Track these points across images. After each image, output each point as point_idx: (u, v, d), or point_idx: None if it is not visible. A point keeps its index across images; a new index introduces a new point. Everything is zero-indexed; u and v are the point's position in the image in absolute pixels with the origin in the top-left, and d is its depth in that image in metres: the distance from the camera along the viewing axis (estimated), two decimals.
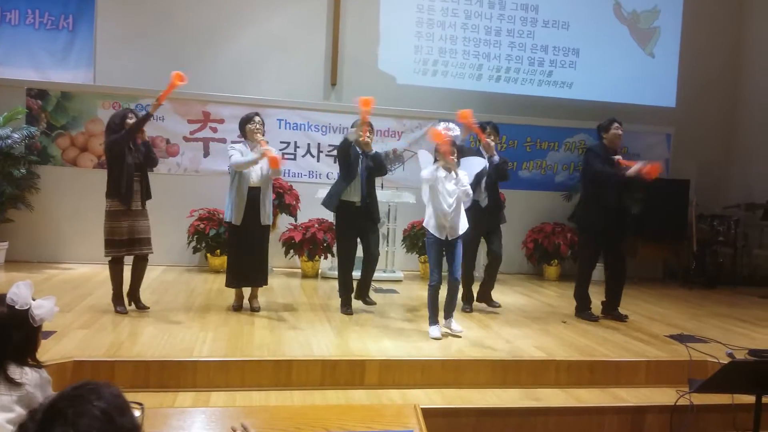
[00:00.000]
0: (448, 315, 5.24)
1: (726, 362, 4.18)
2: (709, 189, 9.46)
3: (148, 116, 5.33)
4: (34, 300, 2.21)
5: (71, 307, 5.45)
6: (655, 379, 4.65)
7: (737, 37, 9.92)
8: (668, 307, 7.09)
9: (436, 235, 5.13)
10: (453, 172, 5.13)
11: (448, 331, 5.18)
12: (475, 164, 5.72)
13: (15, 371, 2.12)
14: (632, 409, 4.19)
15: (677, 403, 4.08)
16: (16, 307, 2.16)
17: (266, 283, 5.83)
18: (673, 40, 9.65)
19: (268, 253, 5.79)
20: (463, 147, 5.79)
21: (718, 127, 9.85)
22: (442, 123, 5.53)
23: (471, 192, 5.26)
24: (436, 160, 5.22)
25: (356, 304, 5.96)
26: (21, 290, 2.16)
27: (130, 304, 5.43)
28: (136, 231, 5.32)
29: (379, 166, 5.84)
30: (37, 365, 2.23)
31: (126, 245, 5.30)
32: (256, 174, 5.53)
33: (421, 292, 7.21)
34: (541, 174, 9.21)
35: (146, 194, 5.41)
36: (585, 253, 6.37)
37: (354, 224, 5.80)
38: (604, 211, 5.96)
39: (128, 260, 5.41)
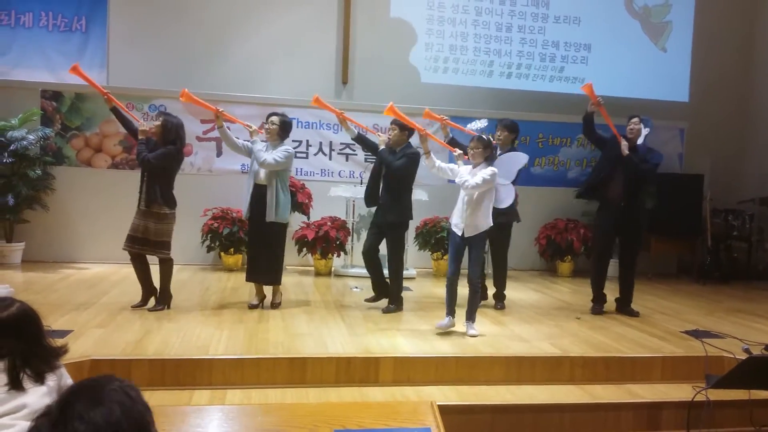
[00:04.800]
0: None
1: (742, 358, 4.16)
2: (723, 183, 9.38)
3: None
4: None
5: (87, 306, 5.50)
6: (671, 375, 4.63)
7: (749, 31, 9.83)
8: (683, 302, 7.05)
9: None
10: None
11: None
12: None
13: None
14: (648, 405, 4.17)
15: (694, 399, 4.06)
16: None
17: (274, 283, 5.84)
18: (685, 35, 9.58)
19: (277, 252, 5.79)
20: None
21: (732, 122, 9.77)
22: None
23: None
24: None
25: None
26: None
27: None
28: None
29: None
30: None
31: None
32: (263, 171, 5.60)
33: (434, 289, 7.23)
34: (554, 170, 9.18)
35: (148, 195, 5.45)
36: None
37: None
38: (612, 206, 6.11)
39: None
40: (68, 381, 2.24)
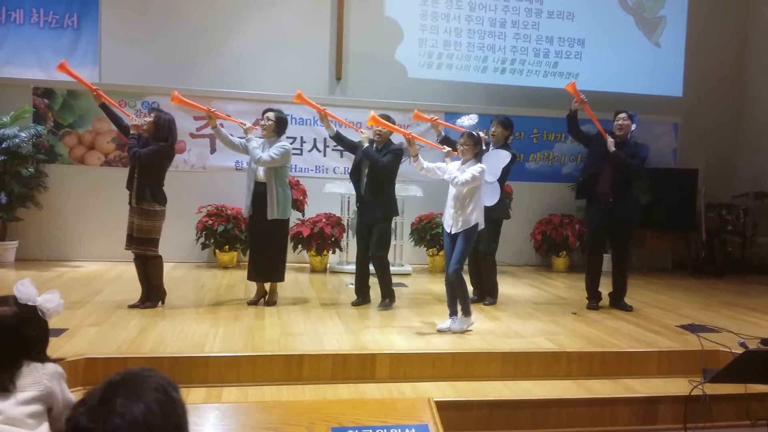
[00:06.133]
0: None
1: (739, 352, 4.17)
2: (717, 178, 9.41)
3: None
4: (39, 296, 2.21)
5: (82, 304, 5.47)
6: (667, 369, 4.64)
7: (743, 25, 9.84)
8: (678, 297, 7.07)
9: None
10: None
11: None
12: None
13: (34, 368, 2.13)
14: (644, 399, 4.18)
15: (690, 394, 4.06)
16: (29, 303, 2.17)
17: (277, 280, 5.84)
18: (678, 29, 9.57)
19: (279, 249, 5.76)
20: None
21: (726, 116, 9.78)
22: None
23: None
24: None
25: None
26: (26, 287, 2.16)
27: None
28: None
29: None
30: (51, 360, 2.24)
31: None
32: (261, 168, 5.57)
33: (430, 285, 7.22)
34: (548, 165, 9.17)
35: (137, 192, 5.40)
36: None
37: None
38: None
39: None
40: (67, 396, 2.19)
